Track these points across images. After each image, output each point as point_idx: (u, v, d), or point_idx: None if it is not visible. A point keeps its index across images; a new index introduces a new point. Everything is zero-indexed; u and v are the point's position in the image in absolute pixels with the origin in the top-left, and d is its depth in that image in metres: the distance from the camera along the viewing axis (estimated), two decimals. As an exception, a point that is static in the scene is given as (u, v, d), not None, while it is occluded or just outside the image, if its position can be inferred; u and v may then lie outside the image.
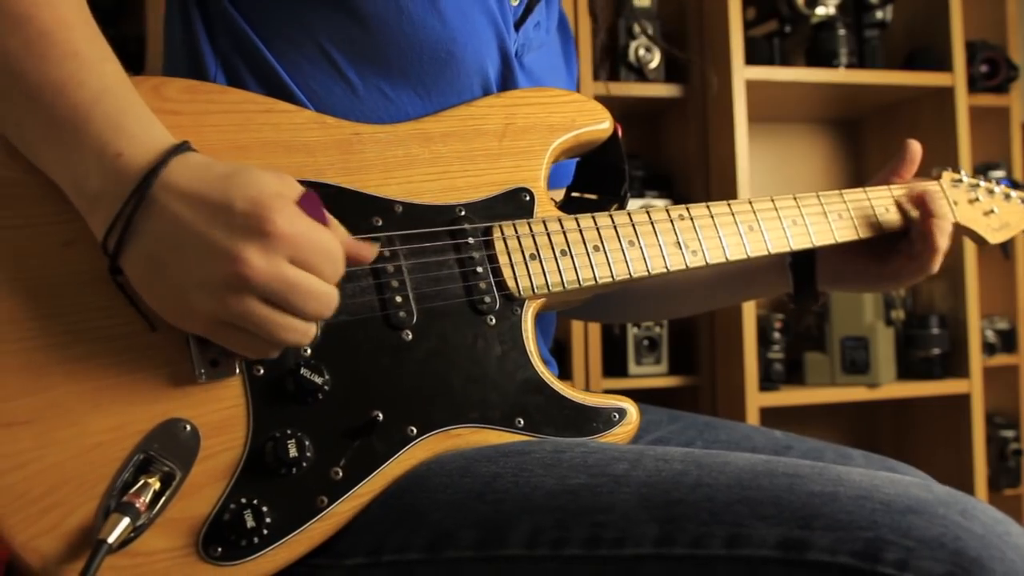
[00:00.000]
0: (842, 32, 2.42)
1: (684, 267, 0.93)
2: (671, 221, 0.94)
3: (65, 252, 0.72)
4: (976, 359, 2.43)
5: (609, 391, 0.89)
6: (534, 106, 0.93)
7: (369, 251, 0.76)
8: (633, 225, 0.92)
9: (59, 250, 0.72)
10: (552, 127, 0.93)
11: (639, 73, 2.38)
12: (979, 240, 1.21)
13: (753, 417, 2.24)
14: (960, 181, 1.19)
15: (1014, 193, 1.24)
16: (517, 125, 0.91)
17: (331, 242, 0.70)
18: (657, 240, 0.92)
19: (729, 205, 0.98)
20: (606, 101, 2.34)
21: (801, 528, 0.64)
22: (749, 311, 2.26)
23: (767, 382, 2.36)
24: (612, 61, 2.41)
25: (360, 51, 0.89)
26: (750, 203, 0.99)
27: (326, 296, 0.70)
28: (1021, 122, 2.70)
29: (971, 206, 1.18)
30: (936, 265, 1.09)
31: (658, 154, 2.65)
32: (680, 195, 2.47)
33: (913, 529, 0.62)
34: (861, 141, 2.82)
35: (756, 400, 2.25)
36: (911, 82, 2.43)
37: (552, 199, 0.92)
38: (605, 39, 2.40)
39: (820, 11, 2.41)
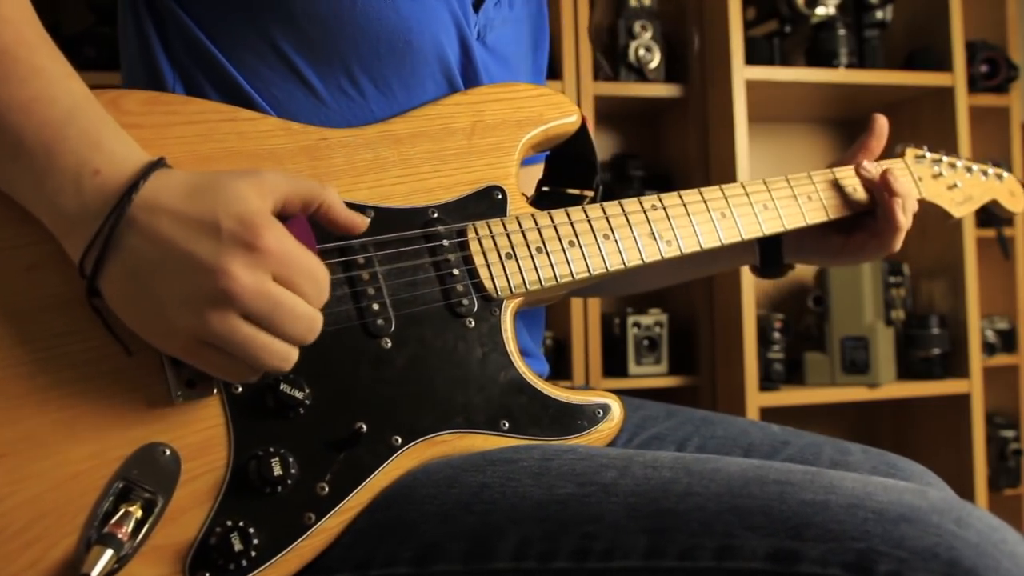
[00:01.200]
0: (842, 32, 2.41)
1: (659, 258, 0.93)
2: (644, 212, 0.94)
3: (29, 276, 0.69)
4: (976, 359, 2.42)
5: (609, 391, 0.89)
6: (502, 102, 0.92)
7: (361, 221, 0.75)
8: (607, 218, 0.91)
9: (23, 275, 0.69)
10: (520, 122, 0.92)
11: (639, 73, 2.38)
12: (944, 214, 1.22)
13: (753, 417, 2.23)
14: (923, 157, 1.21)
15: (975, 167, 1.26)
16: (486, 122, 0.90)
17: (317, 265, 0.69)
18: (631, 232, 0.92)
19: (700, 193, 0.98)
20: (607, 101, 2.35)
21: (792, 539, 0.63)
22: (749, 311, 2.25)
23: (767, 382, 2.36)
24: (612, 61, 2.41)
25: (318, 51, 0.87)
26: (721, 190, 1.00)
27: (309, 319, 0.68)
28: (1021, 122, 2.69)
29: (935, 181, 1.20)
30: (898, 243, 1.09)
31: (658, 154, 2.64)
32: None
33: (906, 539, 0.61)
34: (861, 141, 2.80)
35: (756, 400, 2.25)
36: (911, 82, 2.43)
37: (524, 194, 0.91)
38: (606, 39, 2.40)
39: (820, 11, 2.41)
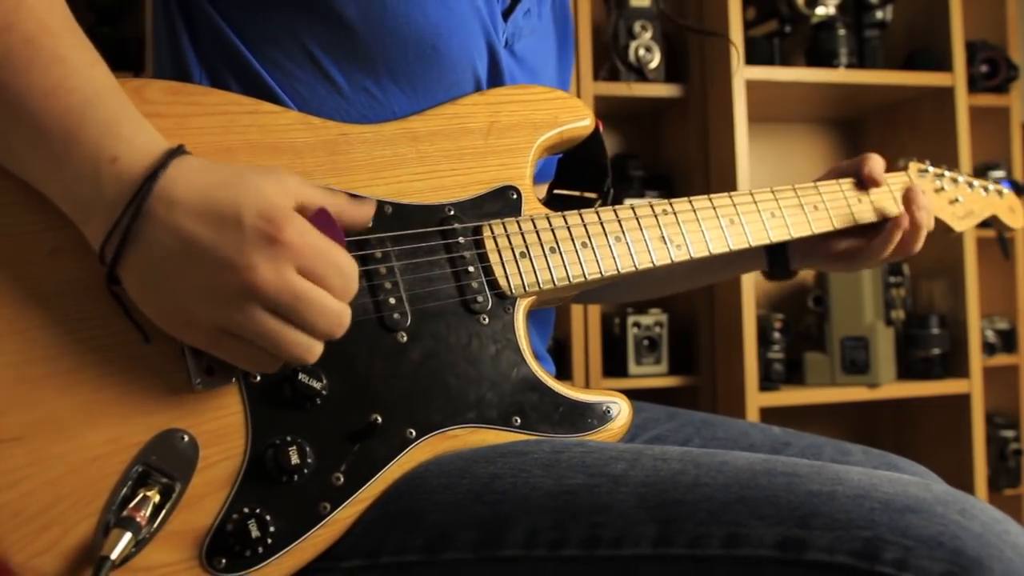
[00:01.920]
0: (842, 32, 2.42)
1: (669, 261, 0.95)
2: (655, 216, 0.95)
3: (51, 262, 0.70)
4: (976, 359, 2.43)
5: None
6: (518, 103, 0.93)
7: (367, 208, 0.76)
8: (619, 221, 0.93)
9: (44, 260, 0.70)
10: (536, 124, 0.93)
11: (639, 73, 2.38)
12: (946, 228, 1.25)
13: (753, 417, 2.23)
14: (926, 171, 1.23)
15: (976, 182, 1.29)
16: (502, 123, 0.92)
17: (343, 257, 0.69)
18: (643, 235, 0.94)
19: (710, 199, 1.00)
20: (607, 101, 2.35)
21: (799, 527, 0.64)
22: (749, 311, 2.26)
23: (767, 382, 2.36)
24: (612, 61, 2.41)
25: (345, 51, 0.88)
26: (730, 196, 1.02)
27: (336, 313, 0.68)
28: (1021, 122, 2.70)
29: (937, 195, 1.23)
30: (881, 261, 1.13)
31: (658, 154, 2.65)
32: (680, 195, 2.45)
33: (911, 528, 0.61)
34: (861, 141, 2.81)
35: (756, 400, 2.25)
36: (911, 82, 2.43)
37: (536, 196, 0.92)
38: (606, 39, 2.40)
39: (820, 11, 2.41)
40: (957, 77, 2.43)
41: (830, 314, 2.44)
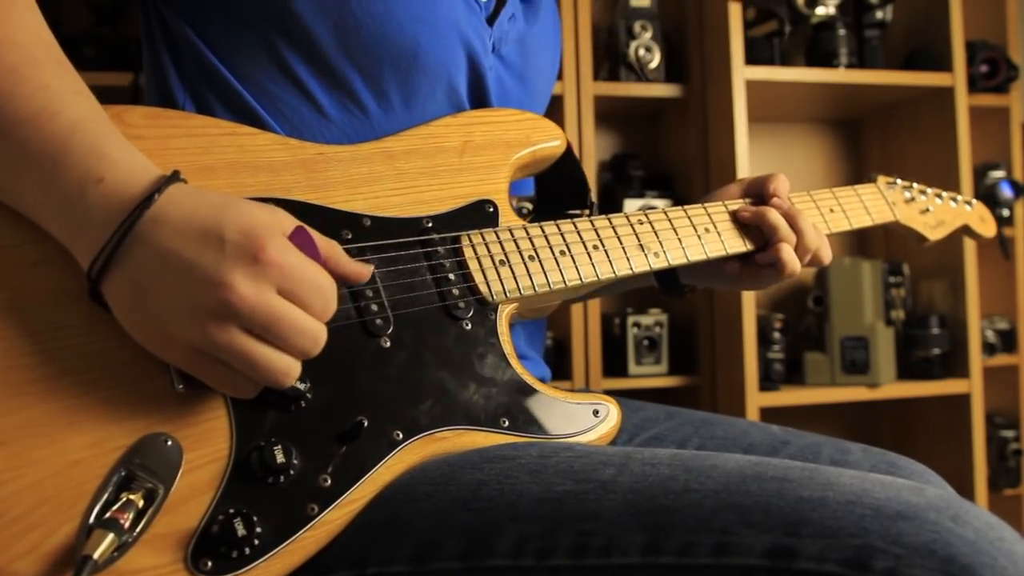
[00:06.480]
0: (842, 32, 2.41)
1: (648, 268, 0.96)
2: (631, 226, 0.97)
3: (35, 272, 0.71)
4: (976, 359, 2.42)
5: (609, 391, 0.90)
6: (490, 124, 0.96)
7: (366, 269, 0.76)
8: (596, 230, 0.95)
9: (30, 270, 0.71)
10: (509, 143, 0.96)
11: (639, 73, 2.38)
12: (919, 237, 1.28)
13: (753, 417, 2.23)
14: (894, 183, 1.27)
15: (945, 194, 1.32)
16: (475, 142, 0.94)
17: (323, 277, 0.69)
18: (620, 243, 0.95)
19: (685, 210, 1.02)
20: (607, 101, 2.35)
21: (789, 535, 0.63)
22: (749, 311, 2.25)
23: (767, 382, 2.36)
24: (612, 61, 2.41)
25: (324, 71, 0.90)
26: (704, 207, 1.04)
27: (313, 332, 0.68)
28: (1021, 122, 2.69)
29: (908, 205, 1.26)
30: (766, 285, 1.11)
31: (658, 154, 2.64)
32: (680, 195, 2.46)
33: (903, 536, 0.61)
34: (861, 141, 2.81)
35: (756, 400, 2.24)
36: (911, 82, 2.42)
37: (524, 218, 0.94)
38: (605, 39, 2.40)
39: (820, 11, 2.41)
40: (957, 77, 2.43)
41: (830, 314, 2.43)
